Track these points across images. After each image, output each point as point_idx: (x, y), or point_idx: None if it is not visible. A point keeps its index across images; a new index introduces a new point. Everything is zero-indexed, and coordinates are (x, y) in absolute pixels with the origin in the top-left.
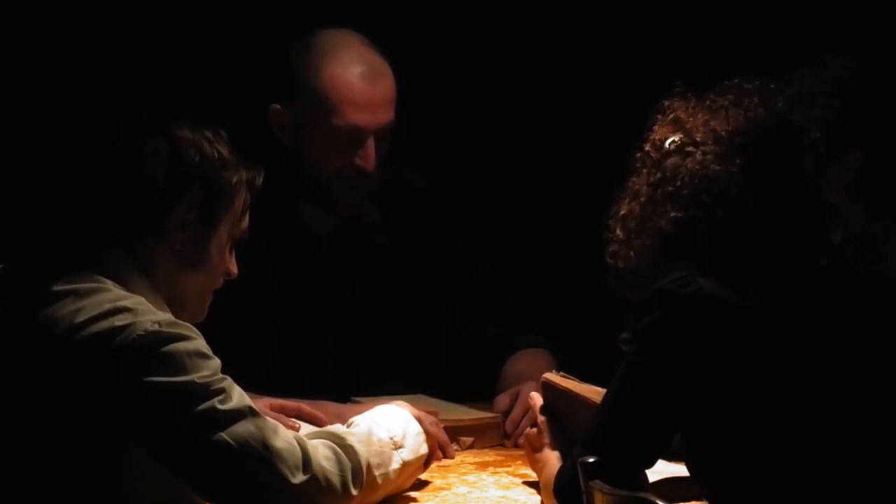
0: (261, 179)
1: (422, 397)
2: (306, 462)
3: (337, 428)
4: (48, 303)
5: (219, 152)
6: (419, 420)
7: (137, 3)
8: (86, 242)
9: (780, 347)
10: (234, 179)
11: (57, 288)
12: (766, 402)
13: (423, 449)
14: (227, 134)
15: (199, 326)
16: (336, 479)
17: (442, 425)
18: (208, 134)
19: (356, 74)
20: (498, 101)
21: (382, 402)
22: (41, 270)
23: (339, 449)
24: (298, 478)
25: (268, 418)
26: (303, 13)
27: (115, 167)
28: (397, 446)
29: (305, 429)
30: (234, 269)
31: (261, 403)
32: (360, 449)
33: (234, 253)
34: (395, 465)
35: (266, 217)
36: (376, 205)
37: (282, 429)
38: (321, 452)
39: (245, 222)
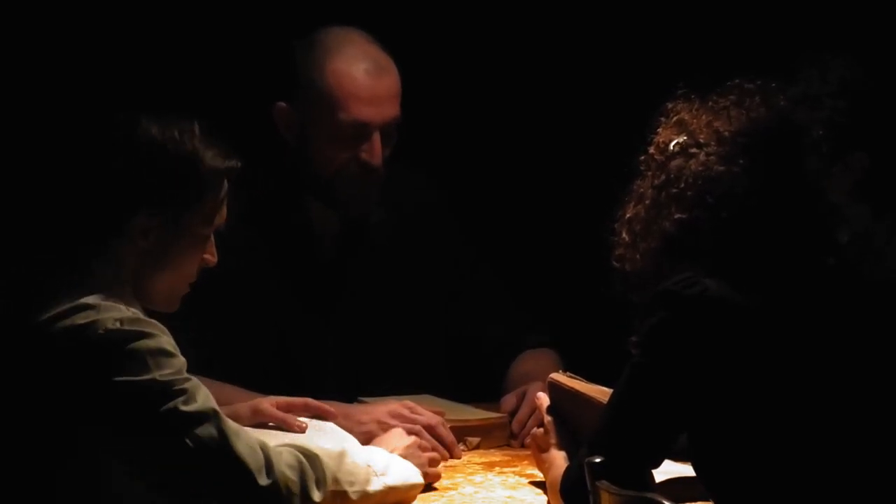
0: (238, 166)
1: (428, 397)
2: (268, 467)
3: (306, 441)
4: (14, 300)
5: (186, 153)
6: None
7: (140, 3)
8: (55, 239)
9: (784, 348)
10: (203, 180)
11: (24, 285)
12: (771, 402)
13: (415, 479)
14: (200, 126)
15: (200, 325)
16: (297, 488)
17: (449, 425)
18: (176, 133)
19: (361, 70)
20: (500, 103)
21: (389, 402)
22: (9, 267)
23: (303, 457)
24: (259, 482)
25: (230, 421)
26: (306, 12)
27: (81, 166)
28: (377, 474)
29: (313, 425)
30: (213, 258)
31: (266, 402)
32: (327, 461)
33: (213, 240)
34: (376, 486)
35: (270, 215)
36: (380, 205)
37: (245, 433)
38: (284, 459)
39: (223, 213)
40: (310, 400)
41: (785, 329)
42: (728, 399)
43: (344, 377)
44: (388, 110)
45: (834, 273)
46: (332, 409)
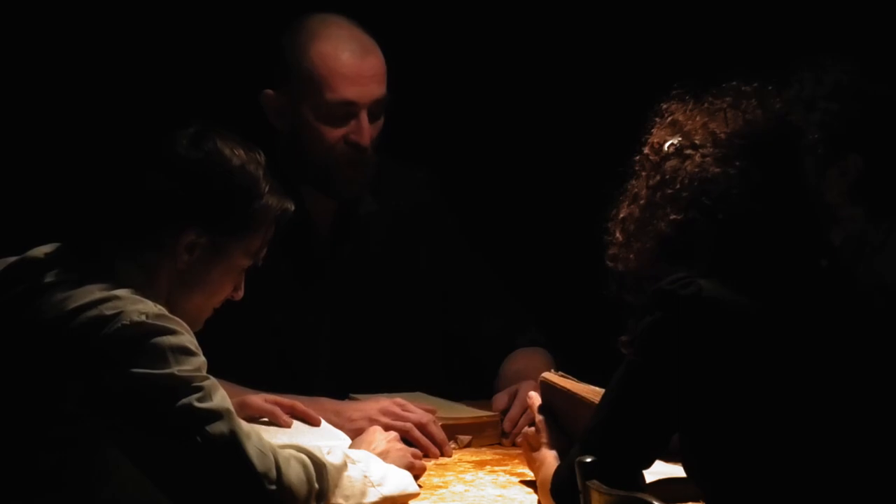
0: (291, 213)
1: (420, 395)
2: (277, 472)
3: (312, 446)
4: (40, 293)
5: (247, 181)
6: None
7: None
8: (91, 239)
9: (779, 349)
10: (257, 211)
11: (50, 278)
12: (765, 403)
13: (412, 487)
14: (264, 158)
15: None
16: (301, 496)
17: (440, 423)
18: (239, 160)
19: (345, 50)
20: (498, 102)
21: (381, 399)
22: (39, 262)
23: (311, 466)
24: (266, 486)
25: (244, 423)
26: (291, 4)
27: (136, 172)
28: (374, 485)
29: (298, 427)
30: (240, 294)
31: (256, 397)
32: (332, 472)
33: (244, 278)
34: (372, 498)
35: None
36: (374, 197)
37: (256, 436)
38: (293, 466)
39: (263, 254)
40: (297, 404)
41: (779, 330)
42: (722, 400)
43: (336, 372)
44: (374, 89)
45: (828, 275)
46: (317, 417)
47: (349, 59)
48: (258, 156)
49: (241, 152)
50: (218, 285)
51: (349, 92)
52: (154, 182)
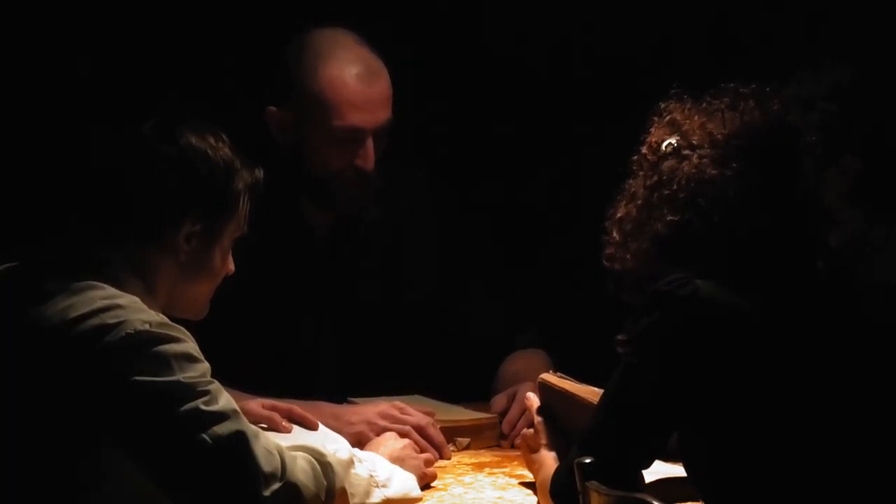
0: (261, 180)
1: (418, 398)
2: (283, 471)
3: (319, 445)
4: (41, 299)
5: (223, 160)
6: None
7: (132, 4)
8: (86, 244)
9: (776, 350)
10: (239, 186)
11: (50, 285)
12: (762, 403)
13: (415, 492)
14: (227, 135)
15: (194, 322)
16: (309, 494)
17: (438, 426)
18: (212, 140)
19: (353, 75)
20: (497, 102)
21: (379, 403)
22: (37, 269)
23: (317, 464)
24: (273, 486)
25: (251, 424)
26: (297, 11)
27: (124, 173)
28: (380, 485)
29: (296, 431)
30: (233, 267)
31: (253, 403)
32: (339, 470)
33: (232, 251)
34: (376, 499)
35: (264, 214)
36: (375, 203)
37: (263, 436)
38: (299, 465)
39: (245, 224)
40: (294, 408)
41: (776, 331)
42: (720, 400)
43: (338, 377)
44: (382, 114)
45: (826, 277)
46: (314, 420)
47: (357, 86)
48: (223, 134)
49: (210, 135)
50: (219, 266)
51: (357, 119)
52: (142, 181)
